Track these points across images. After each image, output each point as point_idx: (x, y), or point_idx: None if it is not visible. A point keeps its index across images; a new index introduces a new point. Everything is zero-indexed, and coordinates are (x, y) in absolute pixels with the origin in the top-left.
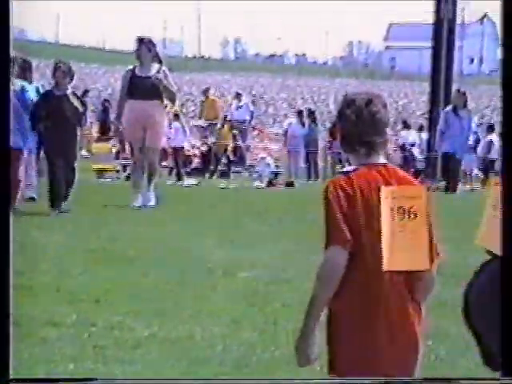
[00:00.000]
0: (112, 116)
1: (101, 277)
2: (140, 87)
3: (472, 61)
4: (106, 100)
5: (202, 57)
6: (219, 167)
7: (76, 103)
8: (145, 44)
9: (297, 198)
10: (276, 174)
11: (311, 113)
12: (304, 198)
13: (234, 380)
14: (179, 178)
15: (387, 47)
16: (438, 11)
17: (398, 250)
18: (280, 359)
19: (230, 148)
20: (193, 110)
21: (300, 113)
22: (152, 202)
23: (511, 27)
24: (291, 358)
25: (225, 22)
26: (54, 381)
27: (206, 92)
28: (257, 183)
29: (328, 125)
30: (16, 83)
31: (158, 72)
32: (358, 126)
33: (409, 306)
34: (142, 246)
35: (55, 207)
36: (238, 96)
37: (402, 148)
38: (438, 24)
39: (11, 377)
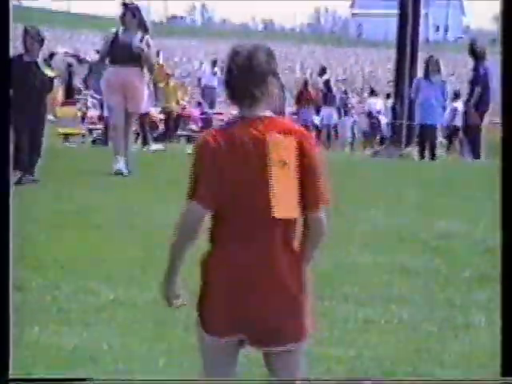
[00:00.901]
0: (77, 80)
1: (66, 242)
2: (121, 53)
3: (438, 28)
4: (70, 64)
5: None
6: (183, 132)
7: (46, 70)
8: (130, 9)
9: None
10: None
11: None
12: None
13: (235, 380)
14: (145, 143)
15: (354, 14)
16: None
17: (272, 199)
18: None
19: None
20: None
21: None
22: (124, 170)
23: (511, 27)
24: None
25: None
26: (52, 381)
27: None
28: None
29: (294, 92)
30: None
31: (141, 40)
32: (238, 77)
33: (286, 257)
34: (109, 212)
35: (22, 173)
36: (213, 63)
37: (369, 115)
38: None
39: (10, 377)
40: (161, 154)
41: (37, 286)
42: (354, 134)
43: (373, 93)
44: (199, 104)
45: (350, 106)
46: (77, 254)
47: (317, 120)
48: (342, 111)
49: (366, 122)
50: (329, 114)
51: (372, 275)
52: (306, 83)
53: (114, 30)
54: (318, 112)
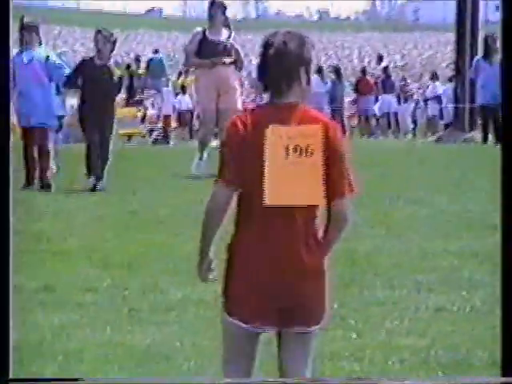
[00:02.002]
0: (136, 83)
1: (133, 241)
2: (211, 51)
3: (497, 8)
4: (129, 65)
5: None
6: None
7: (117, 74)
8: (219, 7)
9: None
10: None
11: (336, 69)
12: None
13: (236, 380)
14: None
15: None
16: None
17: (293, 185)
18: None
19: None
20: None
21: (320, 69)
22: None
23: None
24: None
25: None
26: (49, 380)
27: None
28: None
29: (353, 80)
30: (39, 52)
31: (229, 37)
32: (269, 66)
33: (307, 244)
34: (174, 210)
35: (92, 175)
36: None
37: (430, 100)
38: None
39: (11, 377)
40: None
41: (107, 286)
42: (415, 120)
43: (433, 77)
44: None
45: (409, 92)
46: (144, 253)
47: (376, 108)
48: (402, 98)
49: (427, 107)
50: (388, 101)
51: (442, 261)
52: (363, 71)
53: (199, 28)
54: (376, 100)
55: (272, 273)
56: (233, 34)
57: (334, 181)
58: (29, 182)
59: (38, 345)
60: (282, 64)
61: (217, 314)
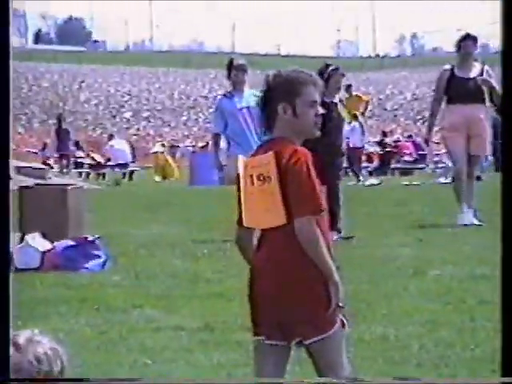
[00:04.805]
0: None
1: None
2: (463, 89)
3: None
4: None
5: (378, 55)
6: (399, 165)
7: (340, 109)
8: (472, 40)
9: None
10: None
11: None
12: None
13: (237, 380)
14: (358, 177)
15: None
16: None
17: (260, 210)
18: (481, 357)
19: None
20: (370, 110)
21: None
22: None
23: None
24: (494, 355)
25: (400, 19)
26: (52, 381)
27: (348, 89)
28: (442, 179)
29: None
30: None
31: (482, 73)
32: (259, 104)
33: (290, 258)
34: None
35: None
36: None
37: None
38: None
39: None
40: (376, 188)
41: None
42: None
43: None
44: (410, 136)
45: None
46: None
47: None
48: None
49: None
50: None
51: None
52: None
53: (447, 66)
54: None
55: (266, 287)
56: (486, 68)
57: (291, 203)
58: None
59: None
60: (263, 103)
61: (376, 353)
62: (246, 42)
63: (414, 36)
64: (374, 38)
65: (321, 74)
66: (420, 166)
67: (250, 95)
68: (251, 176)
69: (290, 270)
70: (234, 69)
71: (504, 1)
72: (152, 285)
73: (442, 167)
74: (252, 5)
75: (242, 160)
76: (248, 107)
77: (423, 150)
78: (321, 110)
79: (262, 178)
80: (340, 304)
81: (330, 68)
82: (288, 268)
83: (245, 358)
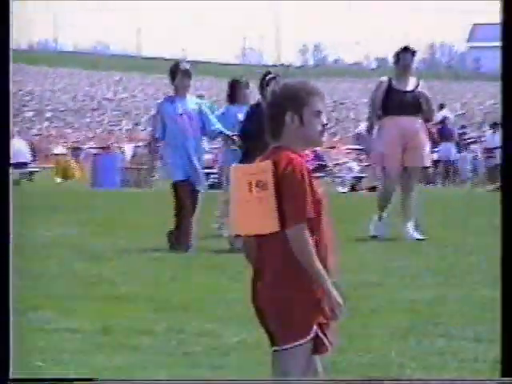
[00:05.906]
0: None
1: (190, 284)
2: (401, 102)
3: None
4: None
5: (282, 64)
6: None
7: None
8: (411, 53)
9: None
10: (360, 179)
11: None
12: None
13: (235, 380)
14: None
15: (471, 48)
16: None
17: (255, 217)
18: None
19: None
20: None
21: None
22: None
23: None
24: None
25: (303, 29)
26: (54, 380)
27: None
28: (340, 188)
29: None
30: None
31: (417, 86)
32: (265, 113)
33: (282, 267)
34: (230, 254)
35: None
36: None
37: (490, 150)
38: None
39: (11, 377)
40: None
41: (163, 329)
42: (475, 169)
43: (494, 127)
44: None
45: (468, 140)
46: (202, 296)
47: (435, 155)
48: (461, 146)
49: (487, 156)
50: (447, 149)
51: None
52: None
53: (384, 78)
54: (436, 147)
55: (262, 295)
56: (421, 82)
57: (284, 211)
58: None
59: None
60: (269, 111)
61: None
62: (152, 46)
63: (316, 47)
64: (278, 47)
65: (262, 80)
66: (319, 174)
67: (193, 101)
68: (250, 183)
69: (283, 277)
70: (180, 73)
71: (504, 1)
72: (50, 286)
73: (340, 177)
74: (159, 8)
75: (236, 167)
76: (189, 112)
77: (324, 161)
78: (325, 120)
79: (260, 185)
80: (334, 316)
81: (269, 76)
82: (281, 275)
83: (141, 361)
